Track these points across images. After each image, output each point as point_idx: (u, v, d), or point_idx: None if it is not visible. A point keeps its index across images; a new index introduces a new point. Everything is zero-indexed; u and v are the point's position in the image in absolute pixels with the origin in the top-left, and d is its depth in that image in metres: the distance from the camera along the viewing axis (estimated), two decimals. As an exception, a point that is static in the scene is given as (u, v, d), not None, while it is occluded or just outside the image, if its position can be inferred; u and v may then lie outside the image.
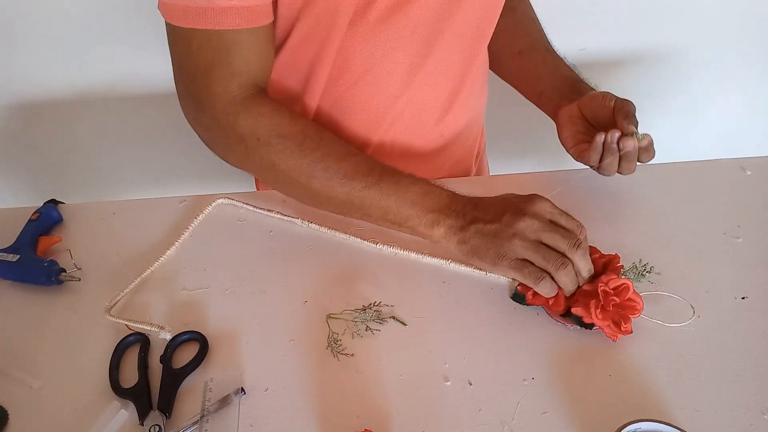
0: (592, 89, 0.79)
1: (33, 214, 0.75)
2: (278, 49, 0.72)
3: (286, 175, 0.63)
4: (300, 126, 0.63)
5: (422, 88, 0.76)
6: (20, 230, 0.73)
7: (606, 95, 0.76)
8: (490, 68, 0.89)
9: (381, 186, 0.62)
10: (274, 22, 0.65)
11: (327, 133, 0.65)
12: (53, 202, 0.78)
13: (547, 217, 0.61)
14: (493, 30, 0.79)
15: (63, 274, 0.69)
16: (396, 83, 0.74)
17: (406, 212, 0.63)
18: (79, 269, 0.70)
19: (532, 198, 0.62)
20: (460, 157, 0.87)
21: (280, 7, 0.65)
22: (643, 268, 0.66)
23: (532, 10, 0.90)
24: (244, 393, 0.59)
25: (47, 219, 0.75)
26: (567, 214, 0.62)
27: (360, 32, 0.68)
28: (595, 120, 0.77)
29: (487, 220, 0.62)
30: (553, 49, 0.85)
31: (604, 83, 1.47)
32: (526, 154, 1.56)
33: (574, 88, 0.80)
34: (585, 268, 0.61)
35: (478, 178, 0.83)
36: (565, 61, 0.85)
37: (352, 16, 0.65)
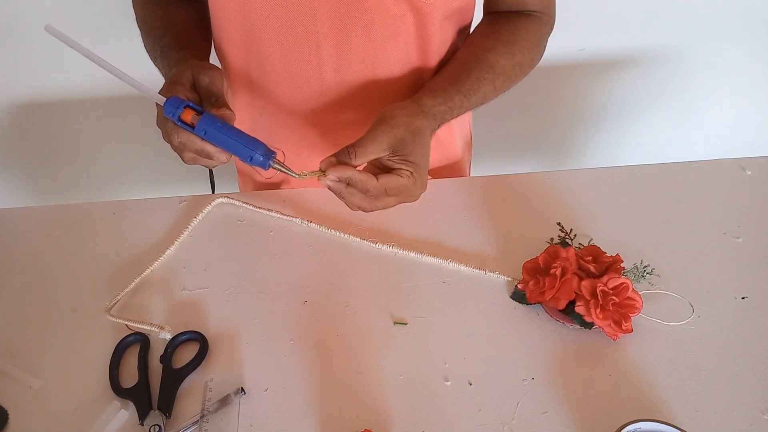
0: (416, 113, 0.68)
1: None
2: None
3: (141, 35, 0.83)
4: (147, 11, 0.83)
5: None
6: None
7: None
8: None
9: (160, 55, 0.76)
10: None
11: (159, 16, 0.81)
12: None
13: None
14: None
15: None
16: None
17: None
18: None
19: None
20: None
21: None
22: (644, 270, 0.66)
23: (533, 39, 0.78)
24: (244, 393, 0.59)
25: None
26: None
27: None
28: None
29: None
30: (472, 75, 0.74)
31: (603, 83, 1.48)
32: (526, 154, 1.56)
33: (428, 100, 0.70)
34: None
35: (476, 179, 0.83)
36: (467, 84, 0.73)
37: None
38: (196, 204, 0.79)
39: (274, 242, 0.74)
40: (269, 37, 0.74)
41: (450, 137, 0.90)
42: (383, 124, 0.64)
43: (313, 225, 0.75)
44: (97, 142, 1.43)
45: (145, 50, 0.81)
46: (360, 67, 0.76)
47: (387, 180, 0.62)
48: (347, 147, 0.62)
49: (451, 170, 0.93)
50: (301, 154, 0.86)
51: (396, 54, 0.76)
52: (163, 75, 0.73)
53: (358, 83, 0.78)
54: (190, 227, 0.75)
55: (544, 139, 1.55)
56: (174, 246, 0.73)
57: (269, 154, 0.62)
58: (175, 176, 1.52)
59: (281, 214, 0.77)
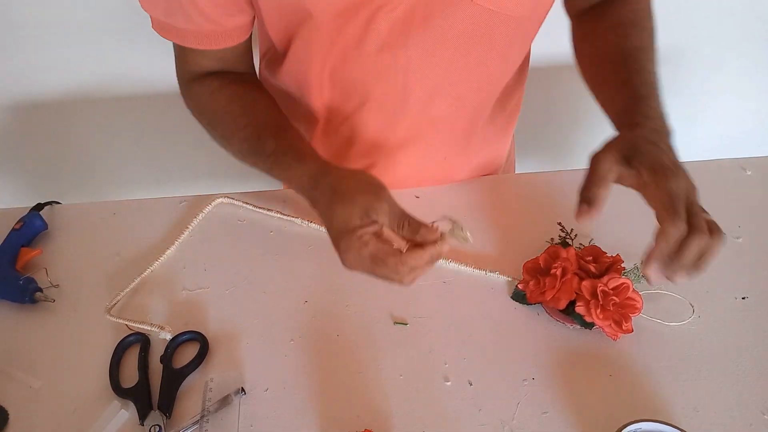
0: (648, 120, 0.66)
1: (16, 223, 0.73)
2: (281, 57, 0.72)
3: (217, 141, 0.72)
4: (213, 105, 0.70)
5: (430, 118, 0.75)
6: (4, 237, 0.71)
7: (661, 172, 0.56)
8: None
9: (272, 167, 0.66)
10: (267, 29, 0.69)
11: (237, 111, 0.69)
12: (38, 207, 0.76)
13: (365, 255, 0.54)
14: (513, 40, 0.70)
15: (38, 293, 0.67)
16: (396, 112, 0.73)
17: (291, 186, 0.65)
18: (56, 286, 0.69)
19: (343, 236, 0.55)
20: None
21: (268, 26, 0.68)
22: (644, 269, 0.66)
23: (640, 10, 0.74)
24: (244, 393, 0.59)
25: (30, 229, 0.73)
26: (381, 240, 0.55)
27: (354, 60, 0.68)
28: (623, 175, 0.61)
29: (326, 226, 0.59)
30: (634, 59, 0.72)
31: (604, 83, 1.45)
32: (526, 154, 1.56)
33: (629, 115, 0.68)
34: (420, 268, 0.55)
35: (476, 179, 0.83)
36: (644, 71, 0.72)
37: (344, 46, 0.66)
38: (196, 204, 0.79)
39: (274, 242, 0.74)
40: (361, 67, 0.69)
41: (505, 142, 0.89)
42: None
43: (313, 225, 0.75)
44: (97, 143, 1.42)
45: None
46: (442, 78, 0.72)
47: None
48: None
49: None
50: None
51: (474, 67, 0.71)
52: (276, 177, 0.66)
53: (440, 91, 0.73)
54: (190, 227, 0.75)
55: (544, 139, 1.55)
56: (174, 246, 0.73)
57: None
58: (175, 176, 1.52)
59: (281, 214, 0.77)
